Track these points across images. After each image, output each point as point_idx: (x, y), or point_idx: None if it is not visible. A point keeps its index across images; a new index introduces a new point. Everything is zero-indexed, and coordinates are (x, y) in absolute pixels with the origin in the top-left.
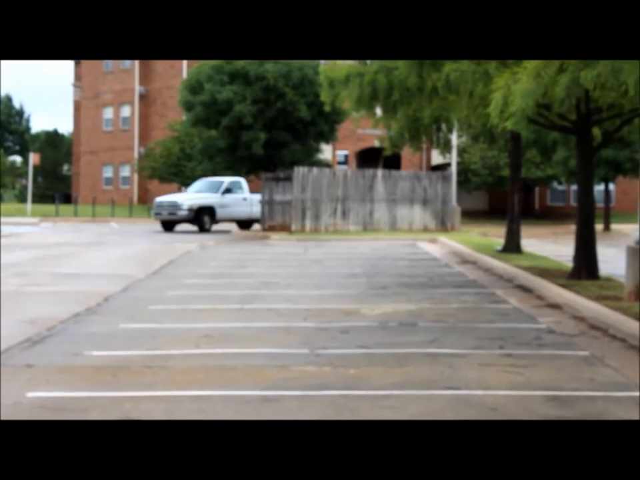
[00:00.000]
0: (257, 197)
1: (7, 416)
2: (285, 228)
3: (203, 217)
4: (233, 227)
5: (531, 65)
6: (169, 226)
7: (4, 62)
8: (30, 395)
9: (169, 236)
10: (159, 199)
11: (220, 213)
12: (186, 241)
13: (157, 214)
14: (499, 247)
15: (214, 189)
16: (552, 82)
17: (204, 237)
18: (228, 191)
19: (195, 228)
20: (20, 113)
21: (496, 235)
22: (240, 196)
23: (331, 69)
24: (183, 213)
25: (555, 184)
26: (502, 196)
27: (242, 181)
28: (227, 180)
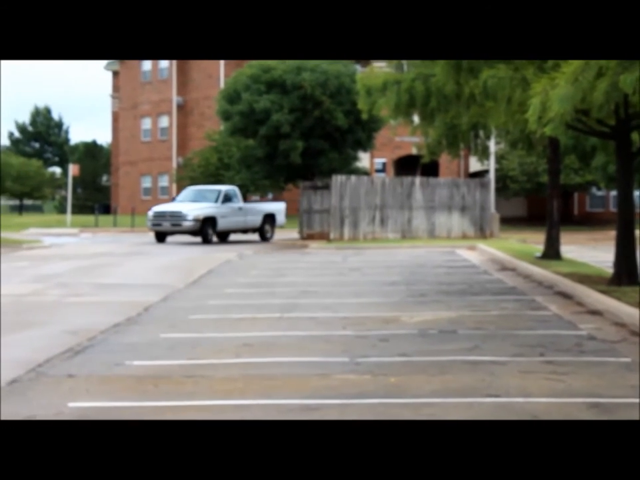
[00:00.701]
0: (250, 206)
1: None
2: (323, 236)
3: (207, 228)
4: (237, 236)
5: (569, 69)
6: (162, 237)
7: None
8: (72, 405)
9: (209, 245)
10: (157, 209)
11: (220, 223)
12: (224, 250)
13: (156, 224)
14: (539, 254)
15: (211, 198)
16: (590, 87)
17: (241, 247)
18: (227, 199)
19: (188, 238)
20: (59, 125)
21: (535, 241)
22: (235, 205)
23: (367, 76)
24: (188, 223)
25: (594, 190)
26: (541, 202)
27: (236, 189)
28: (223, 188)
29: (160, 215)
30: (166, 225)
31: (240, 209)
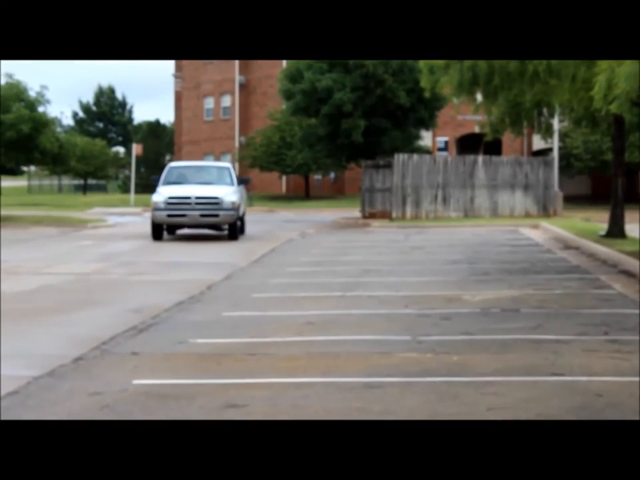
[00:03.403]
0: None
1: (114, 402)
2: (385, 215)
3: (237, 219)
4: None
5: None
6: (163, 231)
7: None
8: (136, 382)
9: (270, 224)
10: (176, 192)
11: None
12: (287, 229)
13: (174, 214)
14: (603, 232)
15: (222, 179)
16: None
17: (303, 225)
18: (242, 181)
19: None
20: (123, 105)
21: (599, 220)
22: (242, 187)
23: None
24: (226, 213)
25: None
26: (605, 181)
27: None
28: (228, 165)
29: (181, 202)
30: (192, 215)
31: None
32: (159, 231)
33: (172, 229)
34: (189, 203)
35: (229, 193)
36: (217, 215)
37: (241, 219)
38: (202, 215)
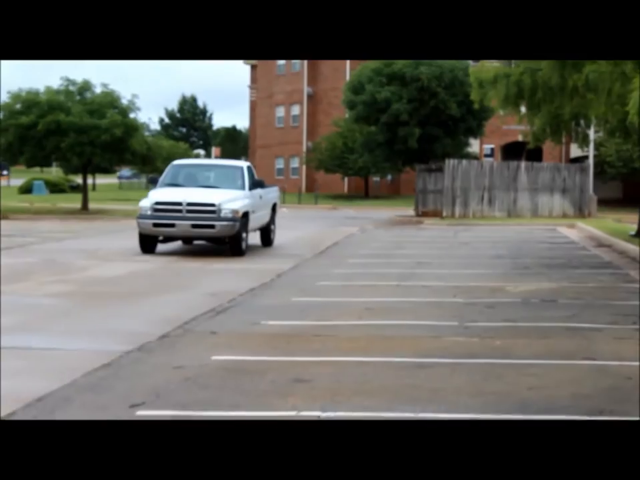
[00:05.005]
0: (269, 192)
1: (195, 375)
2: (436, 214)
3: (242, 231)
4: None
5: None
6: (152, 244)
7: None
8: (214, 358)
9: (334, 220)
10: (163, 197)
11: (251, 222)
12: (349, 224)
13: (161, 224)
14: (633, 232)
15: (232, 181)
16: None
17: (362, 222)
18: (256, 184)
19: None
20: (203, 112)
21: (630, 221)
22: (257, 192)
23: (479, 70)
24: (223, 224)
25: None
26: (635, 185)
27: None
28: (244, 165)
29: (170, 208)
30: (182, 225)
31: (260, 197)
32: (147, 243)
33: (150, 243)
34: (179, 210)
35: (230, 199)
36: (212, 226)
37: (266, 228)
38: (194, 226)
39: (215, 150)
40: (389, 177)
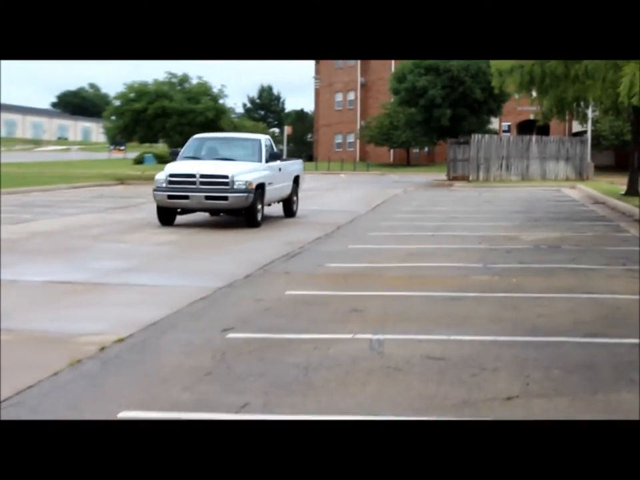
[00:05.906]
0: (292, 165)
1: (273, 306)
2: (464, 178)
3: (257, 203)
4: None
5: None
6: (171, 216)
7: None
8: (288, 292)
9: (382, 183)
10: (177, 169)
11: (268, 193)
12: (394, 187)
13: (175, 196)
14: (622, 192)
15: (251, 154)
16: None
17: (405, 185)
18: (273, 157)
19: (198, 217)
20: (278, 98)
21: (620, 183)
22: (275, 164)
23: (499, 62)
24: (237, 196)
25: None
26: (625, 154)
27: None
28: (262, 138)
29: (184, 180)
30: (196, 198)
31: (280, 170)
32: (166, 215)
33: (169, 215)
34: (193, 182)
35: (245, 171)
36: (225, 198)
37: (288, 200)
38: (207, 197)
39: (287, 128)
40: (426, 149)
